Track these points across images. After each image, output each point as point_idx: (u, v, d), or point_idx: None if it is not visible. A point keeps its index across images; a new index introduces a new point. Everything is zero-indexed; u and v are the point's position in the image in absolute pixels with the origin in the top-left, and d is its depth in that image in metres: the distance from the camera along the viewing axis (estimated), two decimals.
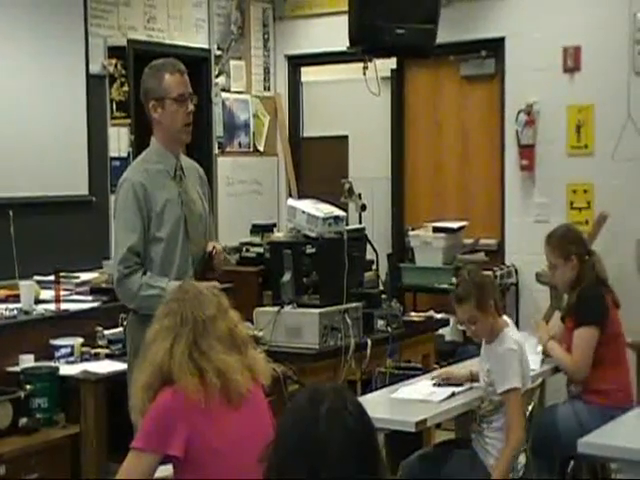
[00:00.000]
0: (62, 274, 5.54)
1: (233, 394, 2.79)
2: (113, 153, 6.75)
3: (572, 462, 4.50)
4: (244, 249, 6.67)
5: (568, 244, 4.73)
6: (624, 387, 4.69)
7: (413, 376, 4.86)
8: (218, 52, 7.63)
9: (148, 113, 3.95)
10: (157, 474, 2.85)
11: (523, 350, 4.09)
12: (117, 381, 4.23)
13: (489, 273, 4.43)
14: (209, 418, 2.76)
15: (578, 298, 4.66)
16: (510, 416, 3.93)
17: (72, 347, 4.78)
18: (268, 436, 2.60)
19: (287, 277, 4.81)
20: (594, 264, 4.74)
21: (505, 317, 4.18)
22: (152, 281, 3.77)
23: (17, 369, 4.47)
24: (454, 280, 6.67)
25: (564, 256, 4.70)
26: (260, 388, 2.98)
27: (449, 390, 4.31)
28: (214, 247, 3.99)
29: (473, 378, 4.32)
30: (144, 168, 3.93)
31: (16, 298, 5.12)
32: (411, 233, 7.38)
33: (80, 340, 4.87)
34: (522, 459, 4.07)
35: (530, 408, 4.11)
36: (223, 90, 7.68)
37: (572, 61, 6.87)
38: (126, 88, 6.79)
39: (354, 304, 5.02)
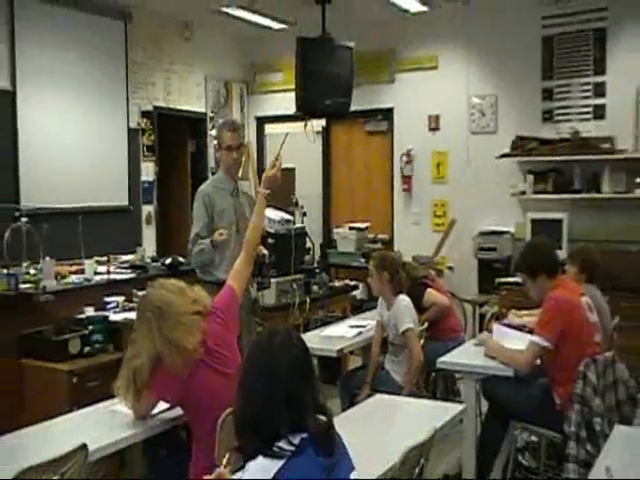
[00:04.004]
0: (111, 256, 5.52)
1: (190, 360, 2.44)
2: (144, 178, 6.70)
3: (432, 375, 4.47)
4: None
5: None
6: (455, 327, 4.56)
7: (336, 321, 4.86)
8: (211, 114, 7.57)
9: (215, 153, 3.93)
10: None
11: (410, 306, 3.97)
12: None
13: (395, 257, 4.18)
14: (193, 383, 2.46)
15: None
16: (410, 346, 3.86)
17: (118, 302, 4.71)
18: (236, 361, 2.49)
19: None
20: (408, 272, 4.33)
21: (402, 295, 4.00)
22: (199, 244, 3.77)
23: (83, 316, 4.40)
24: (362, 260, 6.75)
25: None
26: (214, 315, 2.62)
27: (358, 330, 4.28)
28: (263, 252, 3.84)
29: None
30: (213, 185, 3.90)
31: (82, 271, 5.07)
32: (335, 230, 7.37)
33: (122, 298, 4.78)
34: None
35: None
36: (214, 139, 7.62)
37: (434, 123, 6.92)
38: (152, 137, 6.73)
39: (298, 275, 5.02)
